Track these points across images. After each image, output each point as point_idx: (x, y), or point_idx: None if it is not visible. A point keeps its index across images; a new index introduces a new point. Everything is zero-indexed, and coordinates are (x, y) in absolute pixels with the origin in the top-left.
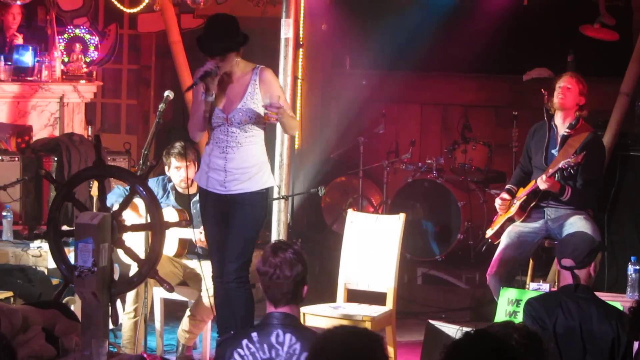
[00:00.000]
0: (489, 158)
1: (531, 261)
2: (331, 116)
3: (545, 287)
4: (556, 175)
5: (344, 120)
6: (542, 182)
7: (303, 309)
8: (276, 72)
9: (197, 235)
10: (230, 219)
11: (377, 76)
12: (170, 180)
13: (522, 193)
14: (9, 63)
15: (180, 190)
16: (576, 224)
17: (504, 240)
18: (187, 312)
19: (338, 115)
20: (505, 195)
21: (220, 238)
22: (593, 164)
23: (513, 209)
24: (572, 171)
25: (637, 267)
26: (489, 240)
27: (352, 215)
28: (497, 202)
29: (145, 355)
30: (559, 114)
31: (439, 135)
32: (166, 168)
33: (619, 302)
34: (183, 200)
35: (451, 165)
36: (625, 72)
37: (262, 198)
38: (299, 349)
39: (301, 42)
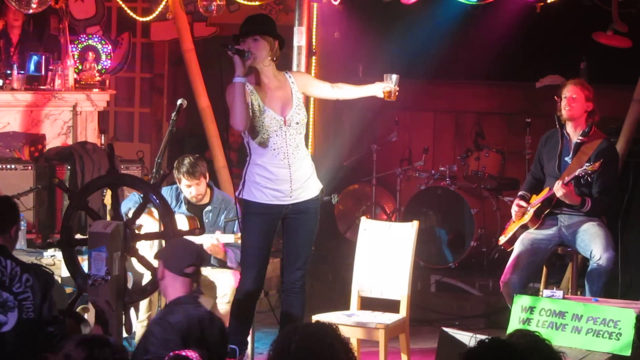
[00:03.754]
0: (502, 165)
1: (544, 268)
2: (344, 124)
3: (558, 294)
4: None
5: (357, 128)
6: (558, 189)
7: (316, 317)
8: None
9: (208, 243)
10: (294, 228)
11: None
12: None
13: (536, 200)
14: (22, 72)
15: (192, 201)
16: (589, 230)
17: (517, 248)
18: None
19: (351, 123)
20: (521, 202)
21: (266, 250)
22: (609, 172)
23: (527, 216)
24: (589, 179)
25: None
26: (502, 247)
27: (365, 223)
28: (514, 209)
29: None
30: (570, 123)
31: (452, 143)
32: (177, 181)
33: (633, 308)
34: (195, 210)
35: (464, 173)
36: (638, 79)
37: (319, 202)
38: (19, 271)
39: (314, 50)
